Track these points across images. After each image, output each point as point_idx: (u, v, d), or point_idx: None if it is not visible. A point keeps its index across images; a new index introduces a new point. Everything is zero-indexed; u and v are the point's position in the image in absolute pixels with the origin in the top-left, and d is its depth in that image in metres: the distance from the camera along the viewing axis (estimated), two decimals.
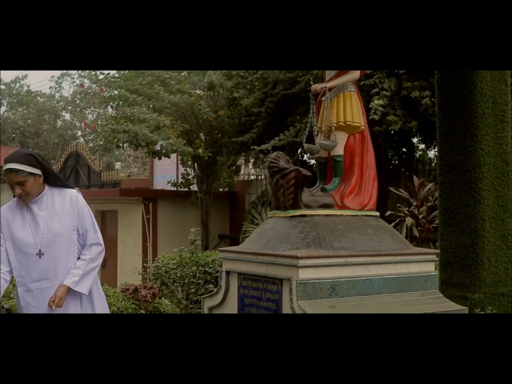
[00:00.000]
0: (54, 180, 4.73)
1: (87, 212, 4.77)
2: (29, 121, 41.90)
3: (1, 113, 42.74)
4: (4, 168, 4.50)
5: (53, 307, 4.48)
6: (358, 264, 5.09)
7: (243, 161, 18.04)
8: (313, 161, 12.31)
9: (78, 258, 4.72)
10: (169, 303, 6.71)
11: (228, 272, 5.67)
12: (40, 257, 4.57)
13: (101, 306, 4.86)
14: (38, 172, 4.56)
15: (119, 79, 13.91)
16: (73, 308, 4.65)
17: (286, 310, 4.94)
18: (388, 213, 10.27)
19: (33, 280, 4.58)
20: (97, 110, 41.36)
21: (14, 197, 4.72)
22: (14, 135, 41.45)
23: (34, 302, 4.58)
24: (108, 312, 4.99)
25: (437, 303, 5.25)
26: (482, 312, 6.11)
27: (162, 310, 6.29)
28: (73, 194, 4.76)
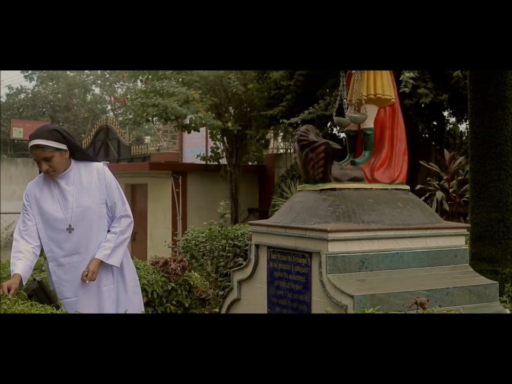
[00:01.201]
0: (79, 154, 4.74)
1: (115, 184, 4.79)
2: (59, 95, 42.09)
3: (32, 88, 43.00)
4: (30, 144, 4.51)
5: (87, 281, 4.52)
6: (388, 238, 5.08)
7: (272, 134, 18.00)
8: (343, 135, 12.26)
9: (108, 231, 4.75)
10: (198, 276, 6.74)
11: (257, 246, 5.69)
12: (70, 232, 4.60)
13: (132, 278, 4.90)
14: (63, 147, 4.56)
15: None
16: (105, 280, 4.69)
17: (315, 283, 4.94)
18: (418, 186, 10.22)
19: (64, 255, 4.61)
20: (126, 84, 41.42)
21: (39, 173, 4.74)
22: (44, 110, 41.68)
23: (66, 277, 4.61)
24: (138, 283, 5.02)
25: (467, 277, 5.22)
26: None
27: (192, 283, 6.32)
28: (100, 168, 4.77)
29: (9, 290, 4.06)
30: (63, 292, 4.61)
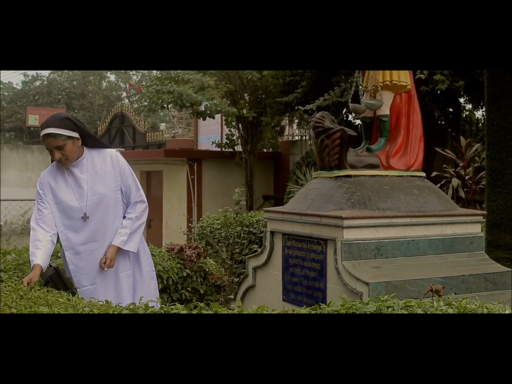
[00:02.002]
0: (91, 141, 4.72)
1: (128, 170, 4.78)
2: (74, 82, 42.17)
3: (47, 75, 43.12)
4: (42, 133, 4.50)
5: (105, 268, 4.53)
6: (403, 225, 5.07)
7: (287, 121, 17.97)
8: (358, 122, 12.22)
9: (123, 217, 4.76)
10: (214, 263, 6.75)
11: (272, 233, 5.69)
12: (85, 220, 4.60)
13: (147, 263, 4.91)
14: (75, 135, 4.54)
15: None
16: (122, 266, 4.71)
17: (330, 270, 4.94)
18: (434, 173, 10.16)
19: (81, 243, 4.61)
20: (141, 70, 41.47)
21: (51, 161, 4.74)
22: (60, 97, 41.82)
23: (83, 265, 4.61)
24: (153, 268, 5.02)
25: (483, 265, 5.21)
26: None
27: (207, 269, 6.33)
28: (113, 154, 4.76)
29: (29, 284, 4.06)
30: (81, 281, 4.61)
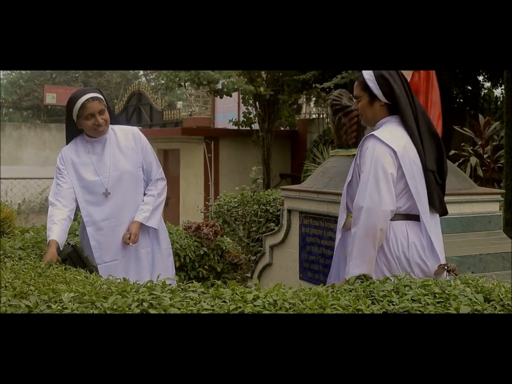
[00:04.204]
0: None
1: (150, 148, 4.80)
2: None
3: None
4: (87, 97, 4.46)
5: (130, 244, 4.54)
6: None
7: (305, 99, 17.93)
8: None
9: (144, 194, 4.78)
10: (230, 241, 6.75)
11: (289, 211, 5.69)
12: (106, 196, 4.62)
13: (165, 240, 4.94)
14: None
15: None
16: (143, 243, 4.72)
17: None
18: (452, 152, 10.13)
19: (103, 219, 4.62)
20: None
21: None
22: (77, 75, 41.85)
23: (105, 241, 4.62)
24: (170, 245, 5.04)
25: (501, 244, 5.18)
26: None
27: (224, 247, 6.34)
28: (135, 131, 4.78)
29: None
30: (102, 257, 4.62)
